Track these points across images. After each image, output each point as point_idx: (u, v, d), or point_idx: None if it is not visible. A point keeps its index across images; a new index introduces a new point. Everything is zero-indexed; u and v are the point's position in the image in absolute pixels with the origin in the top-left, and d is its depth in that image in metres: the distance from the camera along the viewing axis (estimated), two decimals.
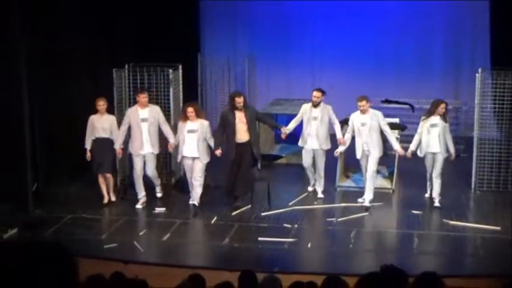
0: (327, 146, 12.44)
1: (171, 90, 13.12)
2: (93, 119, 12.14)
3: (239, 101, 11.90)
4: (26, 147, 11.64)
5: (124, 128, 12.11)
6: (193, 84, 15.65)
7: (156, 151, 12.23)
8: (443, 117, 11.97)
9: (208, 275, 6.90)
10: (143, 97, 12.06)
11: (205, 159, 11.90)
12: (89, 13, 13.03)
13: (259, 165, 12.39)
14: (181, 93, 13.48)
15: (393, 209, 12.26)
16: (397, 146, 12.08)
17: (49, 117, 12.37)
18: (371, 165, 12.03)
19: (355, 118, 12.13)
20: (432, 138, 11.90)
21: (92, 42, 13.14)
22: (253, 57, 16.68)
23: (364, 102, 11.99)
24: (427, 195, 12.44)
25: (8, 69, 11.35)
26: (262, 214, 11.81)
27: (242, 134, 11.96)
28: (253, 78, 16.89)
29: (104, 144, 12.14)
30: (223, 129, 12.05)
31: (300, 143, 12.62)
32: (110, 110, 12.41)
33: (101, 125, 12.12)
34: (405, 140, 12.98)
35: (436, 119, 11.94)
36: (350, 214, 11.79)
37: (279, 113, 14.87)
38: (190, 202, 12.01)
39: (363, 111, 12.02)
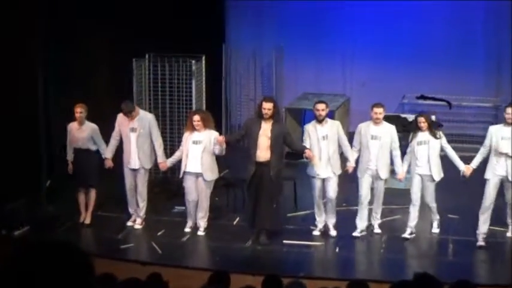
0: (340, 169, 10.71)
1: (193, 82, 12.80)
2: (71, 127, 11.04)
3: (266, 106, 10.26)
4: (40, 144, 11.58)
5: (115, 135, 11.07)
6: (217, 77, 15.43)
7: (147, 166, 11.11)
8: (432, 133, 10.47)
9: (231, 279, 6.84)
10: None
11: (210, 176, 10.65)
12: (109, 1, 12.83)
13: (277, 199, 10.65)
14: (204, 86, 13.17)
15: (427, 213, 11.63)
16: (400, 170, 10.69)
17: (65, 111, 12.00)
18: (381, 191, 10.73)
19: (365, 129, 10.63)
20: (419, 157, 10.42)
21: (111, 30, 12.92)
22: (280, 49, 16.37)
23: (382, 110, 10.49)
24: (406, 234, 10.65)
25: (24, 58, 11.24)
26: (288, 215, 11.52)
27: (263, 151, 10.29)
28: (281, 70, 16.57)
29: (83, 157, 11.01)
30: (241, 133, 11.01)
31: (309, 172, 10.74)
32: (91, 117, 11.13)
33: (80, 135, 10.97)
34: None
35: (424, 135, 10.46)
36: (382, 217, 11.25)
37: (307, 108, 14.41)
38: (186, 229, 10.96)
39: (377, 122, 10.55)
